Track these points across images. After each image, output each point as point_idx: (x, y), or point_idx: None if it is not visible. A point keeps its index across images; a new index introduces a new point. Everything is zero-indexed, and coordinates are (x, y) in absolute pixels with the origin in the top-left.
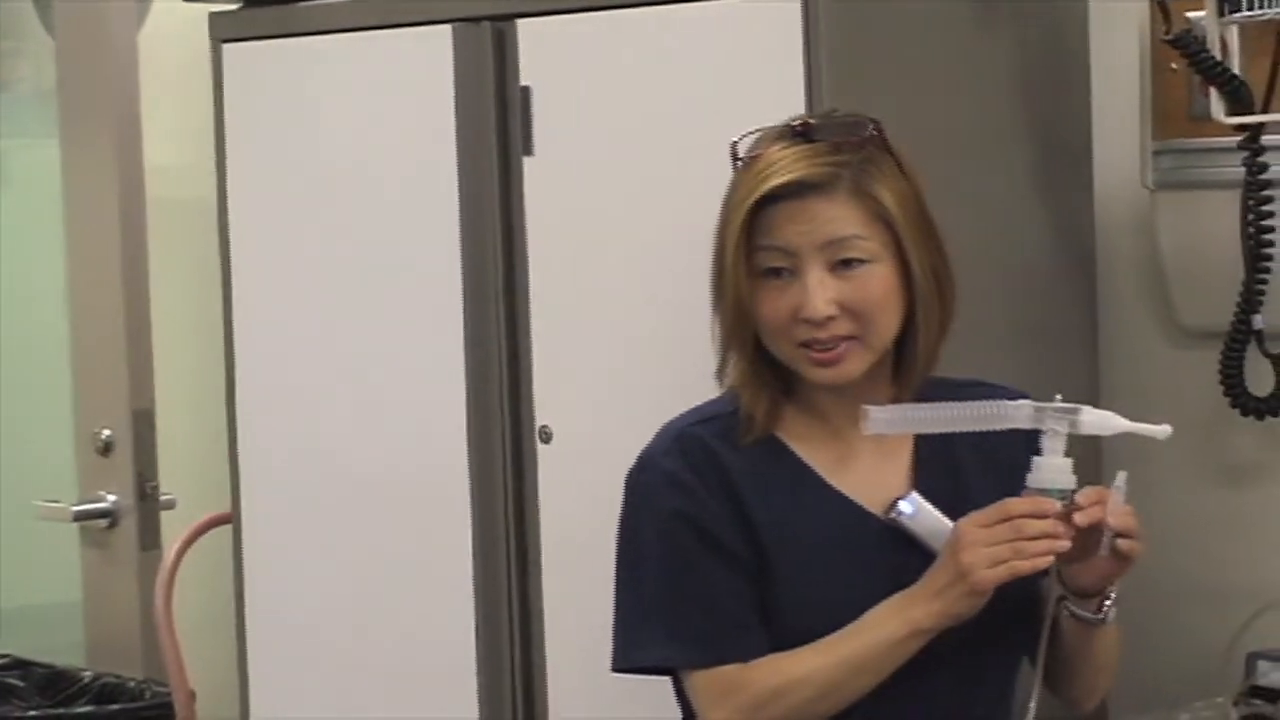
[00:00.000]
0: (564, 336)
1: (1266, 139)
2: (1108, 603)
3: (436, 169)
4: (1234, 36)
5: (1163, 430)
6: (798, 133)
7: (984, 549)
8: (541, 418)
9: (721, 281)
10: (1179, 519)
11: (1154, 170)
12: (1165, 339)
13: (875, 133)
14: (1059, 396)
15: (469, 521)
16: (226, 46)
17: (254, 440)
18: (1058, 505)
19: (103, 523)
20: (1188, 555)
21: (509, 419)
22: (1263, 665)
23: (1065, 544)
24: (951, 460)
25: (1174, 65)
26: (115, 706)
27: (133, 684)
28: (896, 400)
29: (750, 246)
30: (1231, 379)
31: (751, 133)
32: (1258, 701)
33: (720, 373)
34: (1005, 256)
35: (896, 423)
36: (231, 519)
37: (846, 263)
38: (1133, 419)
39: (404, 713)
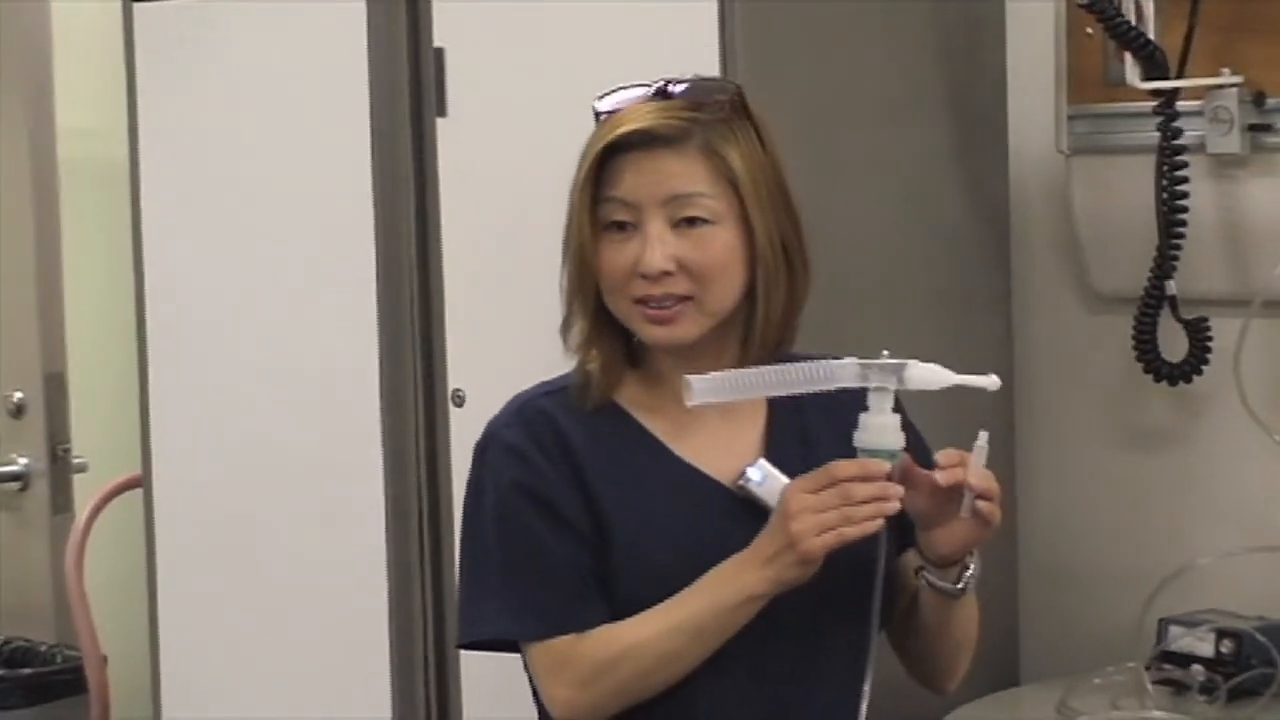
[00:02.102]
0: (477, 300)
1: (1181, 104)
2: (967, 573)
3: (349, 131)
4: (1149, 1)
5: (991, 381)
6: (659, 92)
7: (812, 515)
8: (454, 381)
9: (568, 233)
10: (1091, 483)
11: (1068, 135)
12: (1079, 304)
13: (736, 97)
14: (885, 352)
15: (381, 484)
16: (138, 6)
17: (166, 404)
18: (886, 466)
19: (14, 486)
20: (1100, 520)
21: (422, 383)
22: (1174, 630)
23: (894, 506)
24: (803, 429)
25: (1089, 30)
26: (27, 671)
27: (44, 648)
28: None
29: (597, 198)
30: (1144, 344)
31: (613, 91)
32: (1169, 666)
33: (564, 328)
34: (919, 221)
35: (720, 390)
36: (143, 482)
37: (689, 221)
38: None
39: (316, 677)
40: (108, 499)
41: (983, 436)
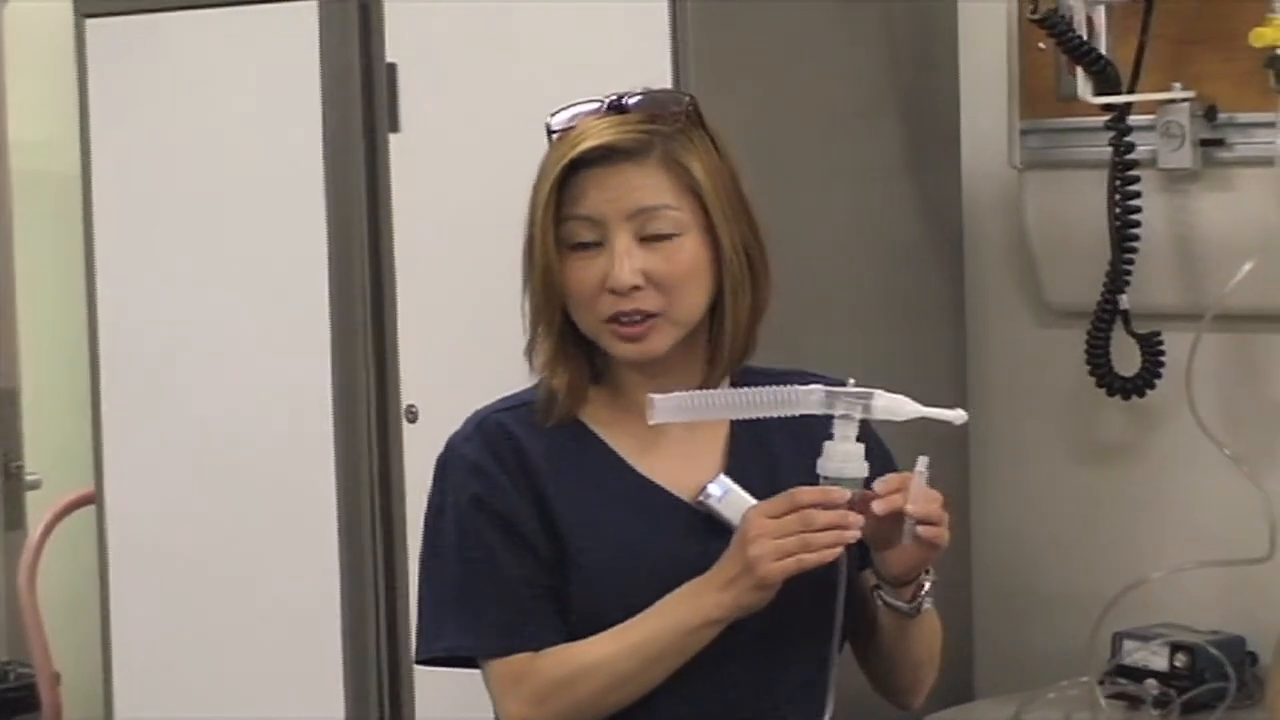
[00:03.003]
0: (430, 315)
1: (1133, 119)
2: (922, 593)
3: (302, 145)
4: (1101, 16)
5: (958, 415)
6: (612, 106)
7: (771, 541)
8: (407, 397)
9: (531, 253)
10: (1045, 497)
11: (1021, 149)
12: (1032, 318)
13: (691, 108)
14: (851, 380)
15: (334, 500)
16: (90, 21)
17: (119, 420)
18: (847, 494)
19: None
20: (1054, 534)
21: (375, 398)
22: (1128, 644)
23: (854, 534)
24: (766, 448)
25: (1041, 45)
26: None
27: None
28: (706, 386)
29: (560, 216)
30: (1097, 358)
31: (566, 107)
32: (1123, 680)
33: (529, 349)
34: (873, 235)
35: (683, 410)
36: (96, 499)
37: (656, 236)
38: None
39: (271, 691)
40: (61, 516)
41: (922, 461)
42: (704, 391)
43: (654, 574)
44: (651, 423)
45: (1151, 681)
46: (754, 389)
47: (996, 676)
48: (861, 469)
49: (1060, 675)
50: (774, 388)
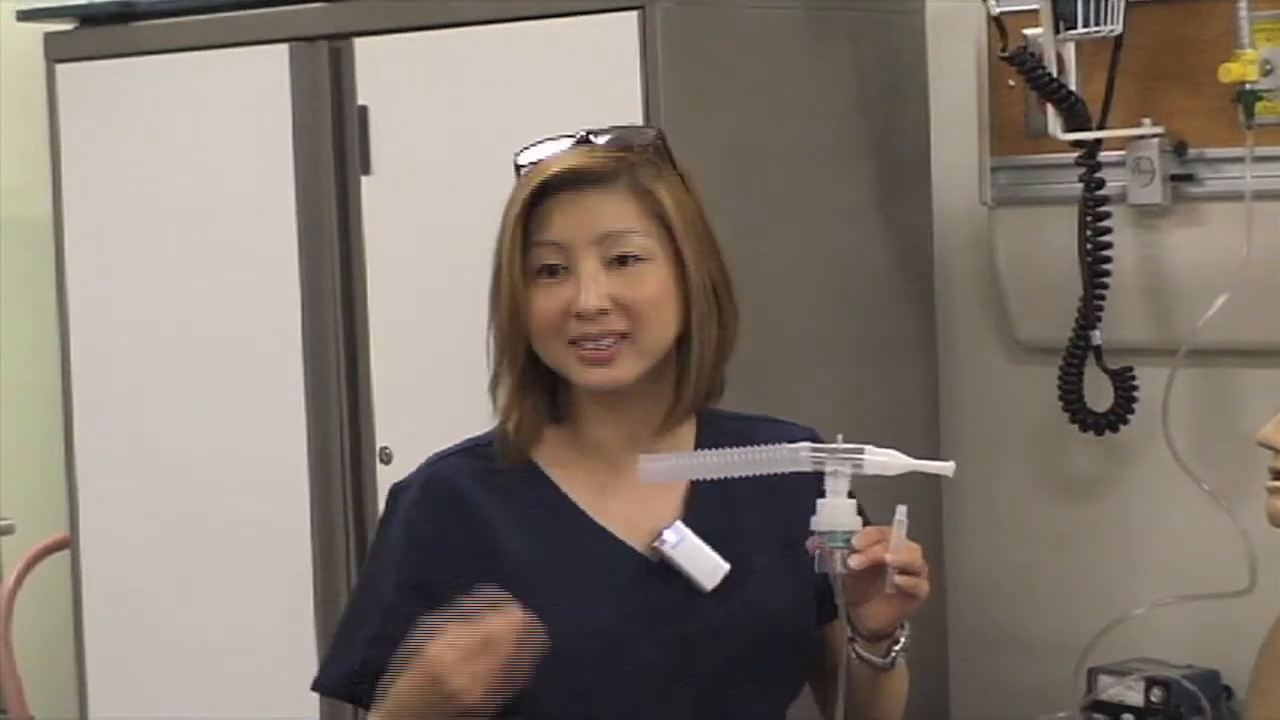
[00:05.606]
0: (404, 357)
1: (1103, 155)
2: (896, 647)
3: (274, 188)
4: (1070, 53)
5: (947, 467)
6: (580, 141)
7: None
8: (381, 439)
9: (497, 284)
10: (1019, 533)
11: (992, 186)
12: (1004, 354)
13: (659, 141)
14: (840, 437)
15: (309, 542)
16: (61, 66)
17: (92, 464)
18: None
19: None
20: (1029, 570)
21: (349, 440)
22: (1104, 680)
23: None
24: (728, 494)
25: (1011, 82)
26: None
27: None
28: (669, 424)
29: (526, 245)
30: (1070, 394)
31: (534, 144)
32: (1100, 716)
33: (493, 386)
34: (844, 271)
35: (673, 471)
36: (70, 544)
37: (622, 260)
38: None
39: None
40: (35, 561)
41: (900, 511)
42: (693, 452)
43: (597, 619)
44: (644, 482)
45: (1128, 717)
46: (743, 450)
47: (973, 714)
48: (855, 522)
49: (1037, 711)
50: (763, 448)
